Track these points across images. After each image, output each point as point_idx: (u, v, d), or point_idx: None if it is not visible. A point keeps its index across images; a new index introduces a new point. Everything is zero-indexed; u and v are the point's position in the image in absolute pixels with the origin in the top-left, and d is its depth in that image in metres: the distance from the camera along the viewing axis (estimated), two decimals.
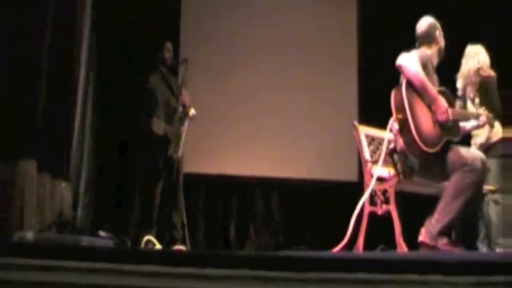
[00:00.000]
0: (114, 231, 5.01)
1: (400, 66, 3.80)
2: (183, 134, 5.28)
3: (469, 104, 4.77)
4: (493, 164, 4.36)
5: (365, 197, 3.99)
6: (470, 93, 4.77)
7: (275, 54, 6.56)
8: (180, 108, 5.30)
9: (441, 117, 3.75)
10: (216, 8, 6.58)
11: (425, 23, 4.09)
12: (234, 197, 6.46)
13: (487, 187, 4.14)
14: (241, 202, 6.46)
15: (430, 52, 4.02)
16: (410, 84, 3.75)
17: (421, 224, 3.67)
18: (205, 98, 6.08)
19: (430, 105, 3.79)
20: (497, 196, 4.37)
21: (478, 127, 4.22)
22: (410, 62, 3.78)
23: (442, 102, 3.79)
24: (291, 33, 6.71)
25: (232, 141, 6.40)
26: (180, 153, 5.22)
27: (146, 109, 5.25)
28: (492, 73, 4.75)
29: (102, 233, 4.69)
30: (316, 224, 6.33)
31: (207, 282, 2.17)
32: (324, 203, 6.37)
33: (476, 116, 4.06)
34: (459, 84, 4.83)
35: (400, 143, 3.71)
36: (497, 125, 4.50)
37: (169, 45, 5.46)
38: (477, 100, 4.67)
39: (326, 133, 6.46)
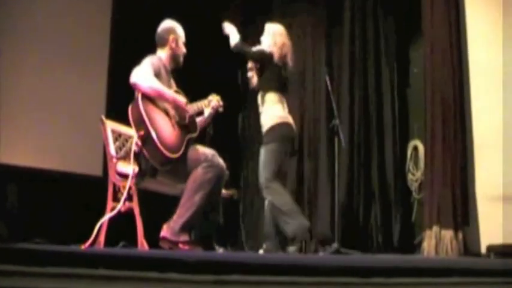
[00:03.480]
0: None
1: (134, 84, 3.84)
2: None
3: None
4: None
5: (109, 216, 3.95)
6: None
7: (30, 42, 6.22)
8: None
9: (184, 114, 3.93)
10: None
11: (162, 25, 4.21)
12: None
13: (226, 191, 4.36)
14: None
15: (165, 54, 4.14)
16: (145, 96, 3.82)
17: (163, 221, 3.75)
18: None
19: (167, 110, 3.91)
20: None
21: (211, 114, 4.28)
22: (142, 77, 3.83)
23: (181, 99, 3.97)
24: (45, 22, 6.42)
25: None
26: None
27: None
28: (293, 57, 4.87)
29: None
30: (57, 217, 6.10)
31: None
32: (66, 196, 6.17)
33: (208, 103, 4.22)
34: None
35: (144, 154, 3.76)
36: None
37: None
38: None
39: (73, 125, 6.28)
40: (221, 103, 4.26)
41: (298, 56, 6.75)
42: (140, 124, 3.76)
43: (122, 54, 6.56)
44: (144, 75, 3.84)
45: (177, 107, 3.94)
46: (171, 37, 4.14)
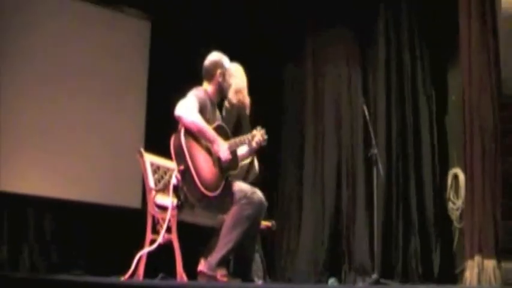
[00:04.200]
0: None
1: (178, 117, 3.86)
2: None
3: None
4: None
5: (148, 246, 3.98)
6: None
7: (66, 76, 6.36)
8: None
9: (224, 156, 3.90)
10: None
11: (209, 58, 4.21)
12: (6, 215, 6.08)
13: (265, 222, 4.35)
14: (14, 221, 6.10)
15: (210, 89, 4.16)
16: (188, 130, 3.85)
17: (201, 254, 3.76)
18: None
19: (209, 147, 3.92)
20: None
21: (254, 149, 4.18)
22: (187, 111, 3.85)
23: (222, 142, 3.93)
24: (82, 56, 6.57)
25: (14, 157, 6.06)
26: None
27: None
28: (247, 99, 4.51)
29: None
30: (97, 249, 6.16)
31: None
32: (106, 228, 6.23)
33: (251, 139, 4.09)
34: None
35: (183, 188, 3.79)
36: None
37: None
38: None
39: (112, 158, 6.36)
40: (265, 137, 4.14)
41: (334, 85, 6.81)
42: (180, 157, 3.80)
43: (160, 86, 6.67)
44: (188, 109, 3.86)
45: (217, 146, 3.92)
46: (219, 71, 4.15)
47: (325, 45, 6.93)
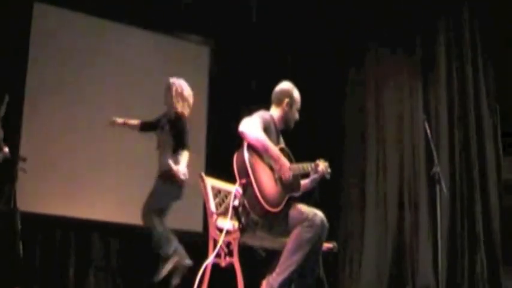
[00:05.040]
0: None
1: (242, 133, 3.88)
2: None
3: None
4: None
5: (214, 253, 4.01)
6: None
7: (127, 101, 6.52)
8: None
9: (284, 175, 3.90)
10: (63, 56, 6.50)
11: (281, 85, 4.26)
12: (73, 240, 6.24)
13: (327, 244, 4.31)
14: (80, 246, 6.25)
15: (276, 115, 4.18)
16: (251, 146, 3.87)
17: (263, 277, 3.76)
18: (48, 137, 5.94)
19: (272, 165, 3.93)
20: None
21: (317, 179, 4.20)
22: (251, 128, 3.87)
23: (284, 160, 3.93)
24: (143, 82, 6.72)
25: (74, 183, 6.23)
26: None
27: None
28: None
29: None
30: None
31: None
32: None
33: (314, 167, 4.11)
34: None
35: (244, 204, 3.79)
36: None
37: None
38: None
39: None
40: (329, 170, 4.15)
41: (395, 103, 6.74)
42: (243, 172, 3.79)
43: (220, 111, 6.74)
44: (253, 126, 3.88)
45: (280, 165, 3.93)
46: (286, 100, 4.18)
47: (385, 63, 6.88)
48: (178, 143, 5.34)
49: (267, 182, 3.84)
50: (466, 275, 5.74)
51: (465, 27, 6.29)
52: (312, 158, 4.13)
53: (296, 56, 7.21)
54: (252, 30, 7.26)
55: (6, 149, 5.05)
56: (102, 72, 6.64)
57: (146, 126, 5.67)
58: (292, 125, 4.25)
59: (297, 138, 4.36)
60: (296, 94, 4.24)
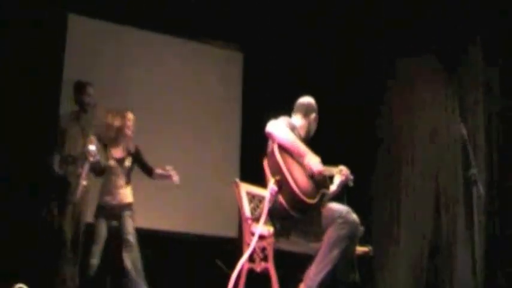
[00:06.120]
0: None
1: (269, 134, 3.91)
2: (82, 178, 5.20)
3: None
4: None
5: (246, 255, 4.01)
6: None
7: (159, 110, 6.58)
8: (86, 149, 5.22)
9: (316, 168, 3.89)
10: (100, 55, 6.57)
11: (308, 98, 4.30)
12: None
13: (361, 248, 4.29)
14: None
15: (300, 123, 4.21)
16: (280, 147, 3.87)
17: (298, 282, 3.75)
18: None
19: (302, 162, 3.93)
20: None
21: (344, 182, 4.25)
22: (278, 127, 3.90)
23: (313, 155, 3.93)
24: (175, 89, 6.77)
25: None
26: (76, 196, 5.14)
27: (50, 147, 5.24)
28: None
29: None
30: (194, 278, 6.27)
31: None
32: (202, 257, 6.33)
33: (339, 171, 4.17)
34: None
35: (280, 202, 3.79)
36: None
37: (90, 89, 5.46)
38: None
39: (207, 189, 6.48)
40: (352, 177, 4.20)
41: (430, 107, 6.67)
42: (276, 171, 3.79)
43: (254, 116, 6.76)
44: (279, 126, 3.92)
45: (309, 159, 3.93)
46: (313, 115, 4.25)
47: (420, 67, 6.83)
48: None
49: (300, 177, 3.83)
50: (504, 281, 5.66)
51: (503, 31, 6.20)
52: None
53: (327, 59, 7.19)
54: (284, 37, 7.26)
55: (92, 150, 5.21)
56: (139, 80, 6.70)
57: None
58: (310, 136, 4.27)
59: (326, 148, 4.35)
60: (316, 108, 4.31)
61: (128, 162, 5.56)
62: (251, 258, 4.15)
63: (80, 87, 5.51)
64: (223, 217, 6.44)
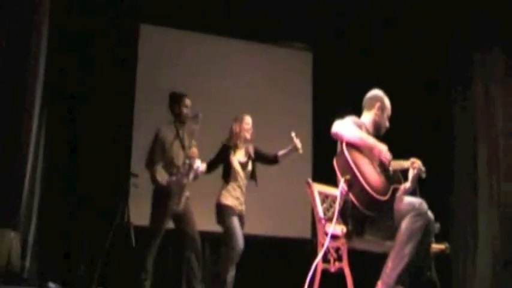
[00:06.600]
0: (63, 282, 4.90)
1: (335, 134, 3.93)
2: (186, 187, 5.31)
3: None
4: None
5: (320, 255, 4.02)
6: None
7: (231, 112, 6.63)
8: (187, 161, 5.30)
9: (385, 158, 3.87)
10: (175, 65, 6.70)
11: (372, 91, 4.30)
12: (170, 250, 6.40)
13: (438, 245, 4.21)
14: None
15: (368, 119, 4.20)
16: (349, 145, 3.87)
17: (373, 281, 3.72)
18: None
19: (371, 157, 3.90)
20: None
21: (416, 175, 4.18)
22: (343, 126, 3.93)
23: (382, 145, 3.93)
24: (247, 92, 6.83)
25: None
26: (181, 206, 5.22)
27: (150, 158, 5.33)
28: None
29: (51, 285, 4.59)
30: (268, 280, 6.29)
31: None
32: (276, 259, 6.34)
33: (411, 164, 4.12)
34: None
35: (352, 201, 3.78)
36: None
37: (188, 101, 5.51)
38: None
39: (280, 190, 6.49)
40: (423, 169, 4.14)
41: (505, 106, 6.51)
42: (346, 170, 3.80)
43: (325, 116, 6.72)
44: (345, 125, 3.94)
45: (379, 150, 3.90)
46: (378, 104, 4.22)
47: (494, 66, 6.66)
48: None
49: (371, 174, 3.83)
50: None
51: None
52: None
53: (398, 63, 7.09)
54: (354, 36, 7.20)
55: (200, 165, 5.36)
56: (208, 86, 6.77)
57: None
58: (382, 131, 4.24)
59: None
60: (387, 101, 4.26)
61: (249, 167, 5.63)
62: (325, 259, 4.15)
63: (178, 99, 5.51)
64: (297, 218, 6.44)
